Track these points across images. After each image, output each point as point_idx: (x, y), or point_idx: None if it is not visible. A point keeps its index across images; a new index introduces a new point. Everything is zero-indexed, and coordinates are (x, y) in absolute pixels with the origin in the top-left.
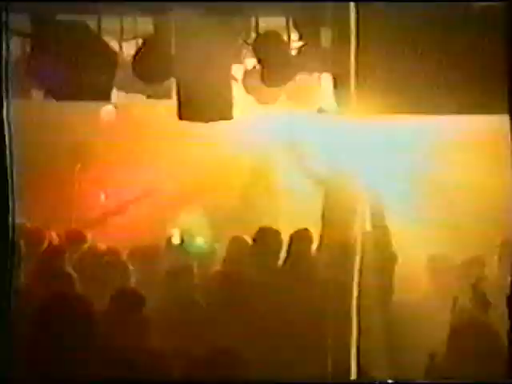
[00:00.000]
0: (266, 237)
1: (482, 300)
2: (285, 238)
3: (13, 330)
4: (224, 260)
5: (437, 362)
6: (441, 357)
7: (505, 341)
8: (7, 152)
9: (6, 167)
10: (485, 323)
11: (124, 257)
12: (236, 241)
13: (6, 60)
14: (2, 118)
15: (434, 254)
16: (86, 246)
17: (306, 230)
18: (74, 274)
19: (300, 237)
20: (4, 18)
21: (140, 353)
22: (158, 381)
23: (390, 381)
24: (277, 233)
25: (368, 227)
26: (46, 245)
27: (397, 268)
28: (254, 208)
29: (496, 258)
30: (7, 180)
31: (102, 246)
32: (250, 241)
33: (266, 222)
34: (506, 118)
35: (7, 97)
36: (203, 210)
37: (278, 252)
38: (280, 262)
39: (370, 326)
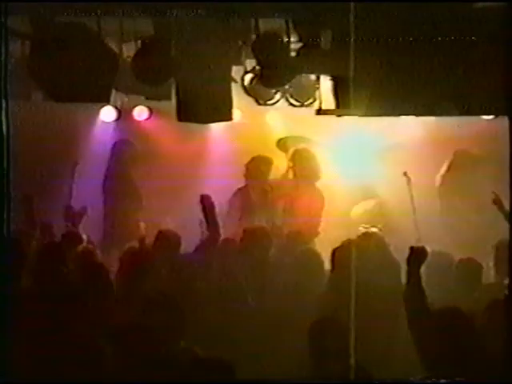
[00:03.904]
0: (254, 236)
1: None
2: (279, 238)
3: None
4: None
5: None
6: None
7: (500, 340)
8: (5, 153)
9: (4, 167)
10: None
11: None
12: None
13: (4, 61)
14: (1, 119)
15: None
16: (81, 246)
17: (300, 230)
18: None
19: (295, 237)
20: (3, 19)
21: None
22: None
23: (389, 381)
24: (265, 231)
25: (365, 227)
26: (42, 245)
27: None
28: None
29: (492, 259)
30: (5, 180)
31: (97, 247)
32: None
33: (261, 222)
34: (505, 118)
35: (6, 98)
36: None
37: (268, 251)
38: (272, 260)
39: (369, 324)
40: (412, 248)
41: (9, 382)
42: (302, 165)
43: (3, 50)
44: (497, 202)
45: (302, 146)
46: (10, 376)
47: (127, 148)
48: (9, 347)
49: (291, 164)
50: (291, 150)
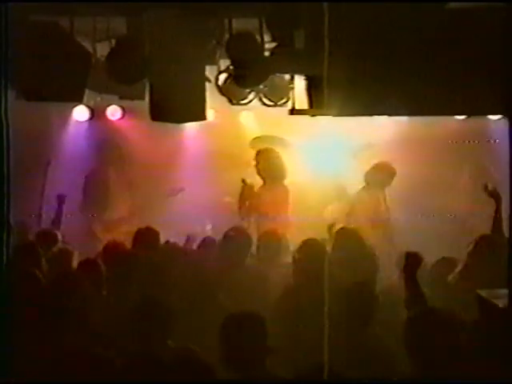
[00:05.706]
0: (236, 236)
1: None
2: (255, 238)
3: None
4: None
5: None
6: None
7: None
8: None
9: (3, 167)
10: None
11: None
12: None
13: (4, 61)
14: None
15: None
16: (57, 246)
17: (275, 230)
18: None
19: (269, 237)
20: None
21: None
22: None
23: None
24: (245, 232)
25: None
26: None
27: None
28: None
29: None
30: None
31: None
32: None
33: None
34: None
35: (5, 97)
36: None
37: (247, 250)
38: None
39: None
40: (407, 254)
41: (9, 382)
42: (265, 164)
43: (4, 50)
44: (486, 188)
45: (266, 145)
46: (10, 376)
47: (110, 148)
48: (9, 347)
49: (255, 163)
50: (255, 150)
